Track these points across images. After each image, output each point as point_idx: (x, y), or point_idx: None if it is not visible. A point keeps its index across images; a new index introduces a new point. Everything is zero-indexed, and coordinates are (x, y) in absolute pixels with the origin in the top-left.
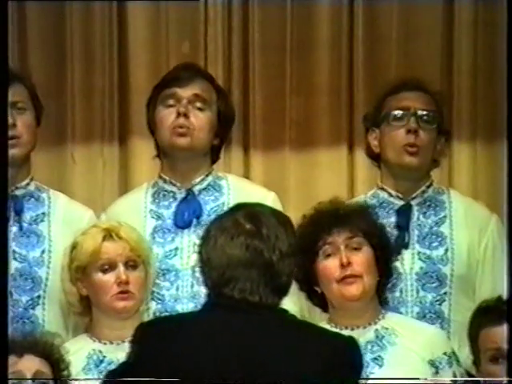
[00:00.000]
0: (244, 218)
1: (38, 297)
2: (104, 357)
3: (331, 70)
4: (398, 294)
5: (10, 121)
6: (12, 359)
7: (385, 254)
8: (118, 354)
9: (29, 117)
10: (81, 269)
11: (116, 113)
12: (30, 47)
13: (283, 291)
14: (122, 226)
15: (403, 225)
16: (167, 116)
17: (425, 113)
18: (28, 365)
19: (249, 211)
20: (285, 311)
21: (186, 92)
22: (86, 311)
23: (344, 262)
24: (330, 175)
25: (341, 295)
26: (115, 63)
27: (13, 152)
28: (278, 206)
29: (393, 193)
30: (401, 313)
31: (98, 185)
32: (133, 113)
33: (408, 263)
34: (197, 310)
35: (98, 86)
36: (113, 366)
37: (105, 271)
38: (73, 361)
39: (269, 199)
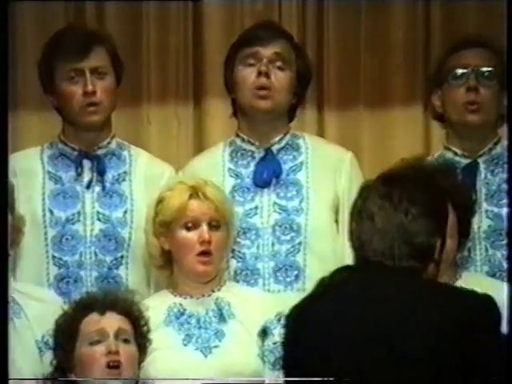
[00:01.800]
0: (380, 181)
1: (122, 257)
2: (184, 310)
3: (407, 26)
4: (466, 253)
5: (90, 87)
6: (94, 317)
7: (467, 215)
8: (199, 307)
9: (109, 81)
10: (165, 224)
11: (190, 73)
12: (107, 8)
13: (421, 254)
14: (208, 184)
15: (469, 183)
16: (248, 75)
17: (485, 69)
18: (110, 322)
19: (386, 175)
20: (420, 274)
21: (267, 51)
22: (166, 265)
23: None
24: (405, 133)
25: None
26: (190, 23)
27: (93, 119)
28: (355, 166)
29: (458, 152)
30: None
31: (173, 145)
32: (207, 72)
33: (476, 221)
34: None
35: (173, 46)
36: (193, 320)
37: (188, 229)
38: (154, 314)
39: (346, 159)
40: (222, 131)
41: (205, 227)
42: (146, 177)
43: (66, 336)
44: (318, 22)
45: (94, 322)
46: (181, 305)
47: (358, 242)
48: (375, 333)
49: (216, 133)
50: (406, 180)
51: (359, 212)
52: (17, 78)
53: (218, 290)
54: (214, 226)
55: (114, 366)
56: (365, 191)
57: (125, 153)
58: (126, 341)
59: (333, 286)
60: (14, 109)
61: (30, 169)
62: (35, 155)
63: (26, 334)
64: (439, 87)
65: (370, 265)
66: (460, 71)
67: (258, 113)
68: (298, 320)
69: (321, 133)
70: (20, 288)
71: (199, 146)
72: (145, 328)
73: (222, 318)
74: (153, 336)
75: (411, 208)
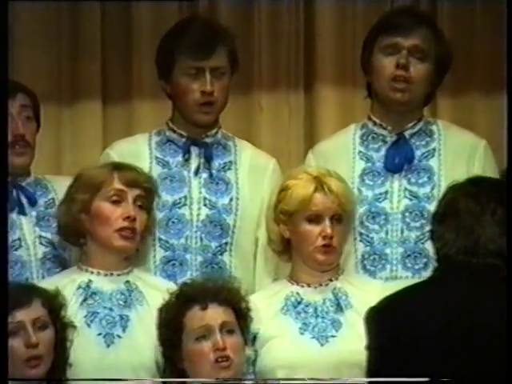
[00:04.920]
0: (468, 182)
1: (226, 243)
2: (301, 298)
3: None
4: None
5: (209, 88)
6: (197, 312)
7: None
8: (316, 296)
9: (225, 81)
10: (287, 213)
11: (302, 60)
12: None
13: (503, 254)
14: (331, 175)
15: None
16: (386, 65)
17: None
18: (214, 316)
19: (475, 178)
20: (503, 272)
21: (407, 42)
22: (285, 251)
23: None
24: None
25: None
26: (301, 9)
27: (206, 118)
28: (489, 154)
29: None
30: None
31: (284, 132)
32: (318, 59)
33: None
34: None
35: (284, 33)
36: (310, 308)
37: (311, 222)
38: (271, 302)
39: (480, 146)
40: (333, 118)
41: (327, 222)
42: (250, 167)
43: (171, 330)
44: (431, 11)
45: (198, 318)
46: (298, 294)
47: (441, 240)
48: (460, 329)
49: (327, 119)
50: (496, 181)
51: (444, 211)
52: (132, 67)
53: (336, 279)
54: (336, 219)
55: (222, 360)
56: (451, 192)
57: (230, 143)
58: (230, 331)
59: (421, 284)
60: (129, 98)
61: (138, 152)
62: (143, 140)
63: (147, 321)
64: None
65: (453, 263)
66: None
67: (394, 104)
68: (386, 315)
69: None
70: (143, 277)
71: (310, 133)
72: (247, 314)
73: (339, 307)
74: (270, 324)
75: (498, 209)
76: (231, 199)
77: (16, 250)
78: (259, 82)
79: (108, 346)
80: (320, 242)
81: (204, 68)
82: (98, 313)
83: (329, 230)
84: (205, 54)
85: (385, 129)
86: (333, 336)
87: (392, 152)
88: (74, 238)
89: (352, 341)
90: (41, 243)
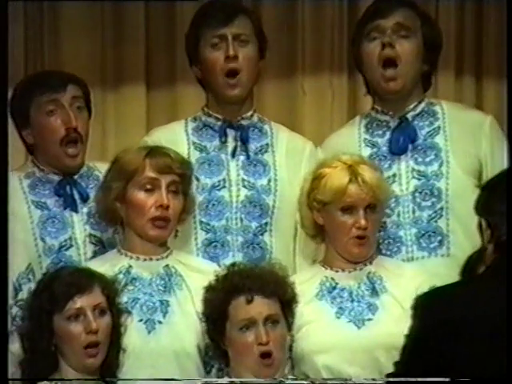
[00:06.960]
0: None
1: (266, 223)
2: (336, 283)
3: None
4: None
5: (232, 52)
6: (242, 304)
7: None
8: (350, 281)
9: (251, 50)
10: (322, 203)
11: (345, 43)
12: None
13: None
14: (365, 163)
15: None
16: (373, 49)
17: None
18: (258, 309)
19: None
20: None
21: (388, 22)
22: (318, 236)
23: None
24: None
25: None
26: None
27: (234, 93)
28: (495, 130)
29: None
30: None
31: (327, 115)
32: None
33: None
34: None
35: (328, 18)
36: (346, 293)
37: (345, 212)
38: (306, 287)
39: (486, 123)
40: None
41: (361, 212)
42: (287, 150)
43: (215, 314)
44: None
45: (242, 309)
46: (332, 279)
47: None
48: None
49: (370, 103)
50: None
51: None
52: (176, 52)
53: (370, 263)
54: (370, 208)
55: (265, 357)
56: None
57: (266, 127)
58: (274, 323)
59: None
60: (173, 82)
61: (175, 139)
62: (180, 127)
63: (187, 305)
64: None
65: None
66: None
67: (388, 94)
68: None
69: (479, 103)
70: (182, 259)
71: (353, 116)
72: (293, 299)
73: (374, 291)
74: (305, 310)
75: None
76: (269, 180)
77: (67, 250)
78: (302, 66)
79: (149, 332)
80: (354, 232)
81: (226, 35)
82: (138, 299)
83: (363, 222)
84: (225, 20)
85: (387, 114)
86: (369, 319)
87: (396, 135)
88: (112, 223)
89: (389, 324)
90: (91, 242)
